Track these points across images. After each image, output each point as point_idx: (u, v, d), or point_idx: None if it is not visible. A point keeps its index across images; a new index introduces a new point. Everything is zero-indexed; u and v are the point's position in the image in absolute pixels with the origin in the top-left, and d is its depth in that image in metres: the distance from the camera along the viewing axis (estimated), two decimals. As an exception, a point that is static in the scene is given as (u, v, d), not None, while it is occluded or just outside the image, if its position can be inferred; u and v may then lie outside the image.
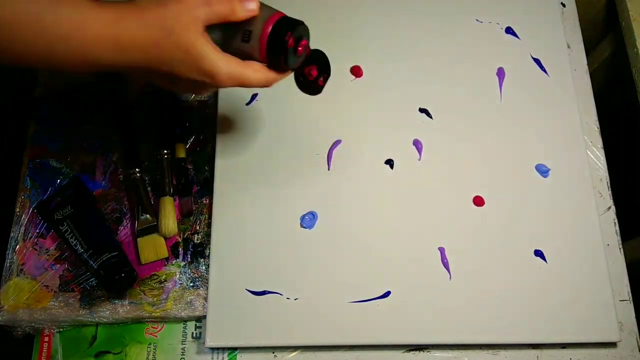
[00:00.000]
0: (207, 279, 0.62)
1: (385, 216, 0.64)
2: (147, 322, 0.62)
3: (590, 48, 0.85)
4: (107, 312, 0.61)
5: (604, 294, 0.61)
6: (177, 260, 0.63)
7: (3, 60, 0.43)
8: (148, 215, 0.64)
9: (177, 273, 0.63)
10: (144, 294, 0.62)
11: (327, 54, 0.53)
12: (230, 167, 0.66)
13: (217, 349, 0.61)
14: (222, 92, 0.69)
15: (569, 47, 0.74)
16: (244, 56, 0.48)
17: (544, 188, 0.66)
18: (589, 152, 0.69)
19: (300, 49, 0.49)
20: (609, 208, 0.68)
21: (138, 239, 0.63)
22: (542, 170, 0.66)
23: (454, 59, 0.72)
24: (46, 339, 0.62)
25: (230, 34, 0.47)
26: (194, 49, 0.43)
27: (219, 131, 0.68)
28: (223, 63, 0.45)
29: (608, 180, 0.69)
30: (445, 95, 0.70)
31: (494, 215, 0.64)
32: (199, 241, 0.64)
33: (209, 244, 0.63)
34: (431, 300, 0.60)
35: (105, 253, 0.61)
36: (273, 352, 0.61)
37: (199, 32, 0.43)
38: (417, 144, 0.68)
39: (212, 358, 0.61)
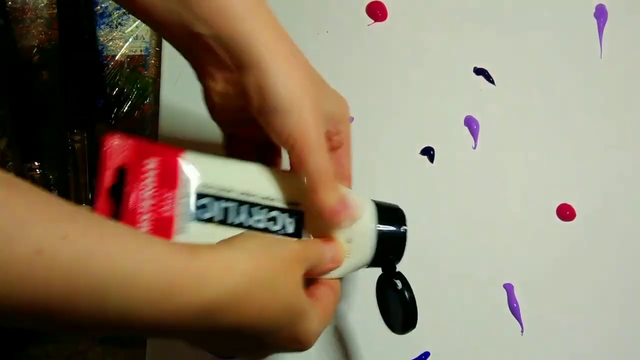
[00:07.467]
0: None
1: (421, 234, 0.50)
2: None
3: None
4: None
5: None
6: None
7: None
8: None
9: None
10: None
11: None
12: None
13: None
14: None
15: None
16: None
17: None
18: None
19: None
20: None
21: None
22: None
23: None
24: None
25: None
26: (294, 307, 0.36)
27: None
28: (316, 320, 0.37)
29: None
30: (514, 48, 0.55)
31: (589, 235, 0.52)
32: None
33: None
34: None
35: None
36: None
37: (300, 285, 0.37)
38: (470, 123, 0.54)
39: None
